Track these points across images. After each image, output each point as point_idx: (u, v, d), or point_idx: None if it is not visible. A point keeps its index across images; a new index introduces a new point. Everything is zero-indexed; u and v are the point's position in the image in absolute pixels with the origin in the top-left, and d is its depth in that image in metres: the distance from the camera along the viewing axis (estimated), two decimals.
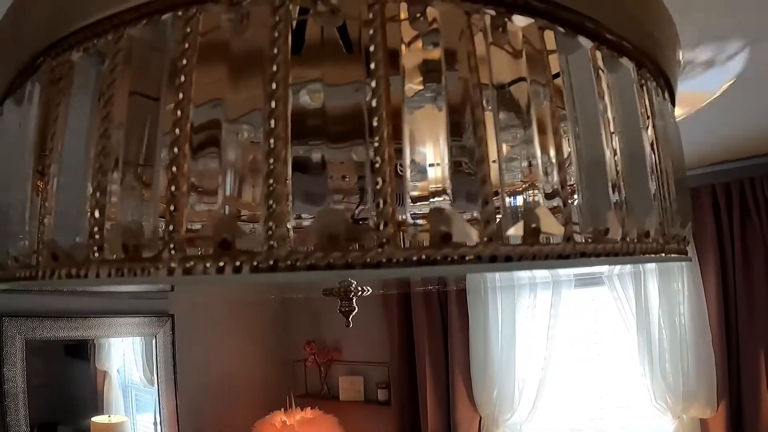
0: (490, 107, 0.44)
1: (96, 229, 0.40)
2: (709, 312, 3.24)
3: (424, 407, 4.06)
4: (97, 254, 0.40)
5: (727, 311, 3.21)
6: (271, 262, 0.36)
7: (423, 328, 4.11)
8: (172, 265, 0.37)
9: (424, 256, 0.37)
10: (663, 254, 0.53)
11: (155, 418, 3.65)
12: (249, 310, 4.55)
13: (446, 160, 0.45)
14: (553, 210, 0.45)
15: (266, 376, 4.53)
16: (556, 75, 0.49)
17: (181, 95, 0.39)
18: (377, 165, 0.38)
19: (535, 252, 0.41)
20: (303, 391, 4.65)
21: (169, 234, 0.37)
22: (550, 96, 0.47)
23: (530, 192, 0.58)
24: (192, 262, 0.37)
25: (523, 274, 3.77)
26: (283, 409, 3.83)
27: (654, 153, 0.56)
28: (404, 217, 0.43)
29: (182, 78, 0.40)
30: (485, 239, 0.39)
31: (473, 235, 0.39)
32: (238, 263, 0.36)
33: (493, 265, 0.39)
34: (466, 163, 0.43)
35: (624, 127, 0.53)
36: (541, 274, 3.73)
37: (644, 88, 0.55)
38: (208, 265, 0.37)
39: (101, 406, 3.37)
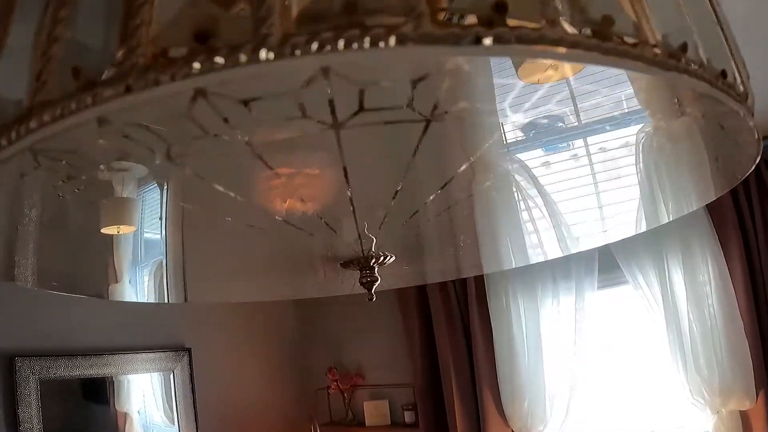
0: None
1: None
2: (738, 300, 3.21)
3: (453, 426, 4.01)
4: None
5: (756, 297, 3.19)
6: (264, 52, 0.32)
7: (446, 344, 4.08)
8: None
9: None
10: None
11: None
12: (266, 338, 4.54)
13: None
14: None
15: (288, 405, 4.51)
16: None
17: None
18: None
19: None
20: (327, 419, 4.61)
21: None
22: None
23: None
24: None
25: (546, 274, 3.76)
26: None
27: None
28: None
29: None
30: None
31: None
32: (220, 59, 0.32)
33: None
34: None
35: None
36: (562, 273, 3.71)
37: None
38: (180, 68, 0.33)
39: None
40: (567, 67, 1.03)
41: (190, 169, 0.92)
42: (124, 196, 1.48)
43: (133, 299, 1.96)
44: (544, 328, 3.83)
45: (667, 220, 1.95)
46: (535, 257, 2.31)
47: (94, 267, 1.65)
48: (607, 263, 3.71)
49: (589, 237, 2.20)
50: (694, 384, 3.30)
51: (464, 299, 4.09)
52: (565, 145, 1.93)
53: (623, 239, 3.56)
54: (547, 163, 1.95)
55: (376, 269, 1.53)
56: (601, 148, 2.06)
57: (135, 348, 3.51)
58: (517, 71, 1.01)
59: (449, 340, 4.07)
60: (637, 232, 2.06)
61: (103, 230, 1.64)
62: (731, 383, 3.20)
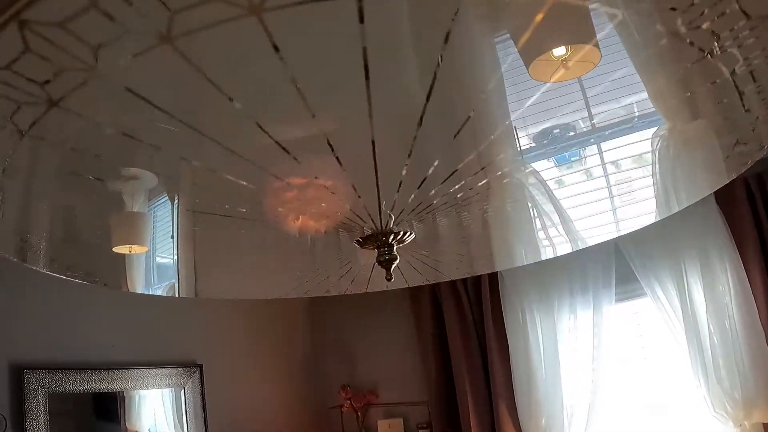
0: None
1: None
2: (758, 310, 3.15)
3: None
4: None
5: None
6: None
7: (461, 360, 4.05)
8: None
9: None
10: None
11: None
12: (278, 354, 4.52)
13: None
14: None
15: (301, 424, 4.46)
16: None
17: None
18: None
19: None
20: None
21: None
22: None
23: None
24: None
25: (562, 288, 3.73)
26: None
27: None
28: None
29: None
30: None
31: None
32: None
33: None
34: None
35: None
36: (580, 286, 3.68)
37: None
38: None
39: None
40: (578, 65, 1.03)
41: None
42: (135, 210, 1.48)
43: (146, 292, 1.97)
44: (561, 343, 3.79)
45: (678, 209, 1.93)
46: (546, 254, 2.30)
47: (109, 257, 1.65)
48: (624, 276, 3.68)
49: (600, 232, 2.18)
50: (716, 397, 3.23)
51: (479, 314, 4.06)
52: (577, 157, 1.94)
53: (640, 252, 3.56)
54: (560, 181, 1.96)
55: (395, 247, 1.51)
56: (615, 164, 2.06)
57: (146, 363, 3.50)
58: (528, 69, 1.01)
59: (465, 357, 4.04)
60: (649, 224, 2.04)
61: (115, 249, 1.65)
62: (754, 395, 3.13)
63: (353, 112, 1.01)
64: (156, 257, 1.85)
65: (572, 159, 1.92)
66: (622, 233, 2.17)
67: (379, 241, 1.49)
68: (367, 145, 1.08)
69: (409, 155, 1.15)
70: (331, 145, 1.11)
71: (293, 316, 4.79)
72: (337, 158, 1.13)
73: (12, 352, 2.90)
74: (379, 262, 1.51)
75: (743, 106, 1.23)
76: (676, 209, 1.96)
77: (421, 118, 1.04)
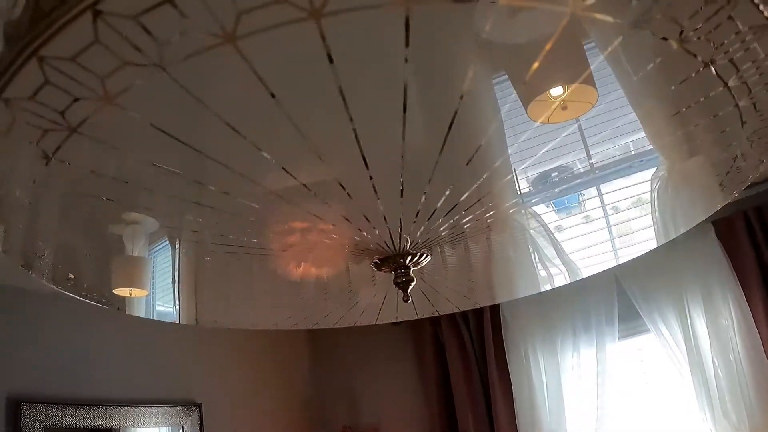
0: None
1: None
2: (763, 342, 3.15)
3: None
4: None
5: None
6: None
7: (464, 400, 4.02)
8: None
9: None
10: None
11: None
12: (279, 394, 4.49)
13: None
14: None
15: None
16: None
17: None
18: None
19: None
20: None
21: None
22: None
23: None
24: None
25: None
26: None
27: None
28: None
29: None
30: None
31: None
32: None
33: None
34: None
35: None
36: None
37: None
38: None
39: None
40: (576, 106, 1.07)
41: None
42: (136, 255, 1.51)
43: (147, 315, 1.98)
44: (564, 381, 3.77)
45: (675, 236, 1.96)
46: (545, 286, 2.31)
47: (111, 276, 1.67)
48: (627, 313, 3.68)
49: (598, 261, 2.20)
50: (723, 430, 3.20)
51: (482, 354, 4.05)
52: (576, 203, 1.98)
53: (642, 288, 3.58)
54: (560, 227, 1.99)
55: (411, 269, 1.53)
56: (614, 208, 2.10)
57: (144, 401, 3.48)
58: (526, 110, 1.05)
59: (468, 397, 4.01)
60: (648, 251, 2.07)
61: (115, 291, 1.67)
62: (761, 427, 3.10)
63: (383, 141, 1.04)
64: (156, 303, 1.87)
65: (572, 205, 1.95)
66: (621, 261, 2.18)
67: (396, 263, 1.52)
68: (385, 173, 1.12)
69: (429, 181, 1.18)
70: (342, 185, 1.14)
71: (295, 357, 4.77)
72: (346, 192, 1.16)
73: (10, 385, 2.89)
74: (397, 284, 1.54)
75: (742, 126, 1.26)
76: (673, 236, 1.99)
77: (442, 147, 1.07)
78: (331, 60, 0.76)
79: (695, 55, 0.84)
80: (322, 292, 1.85)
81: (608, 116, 1.25)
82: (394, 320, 2.21)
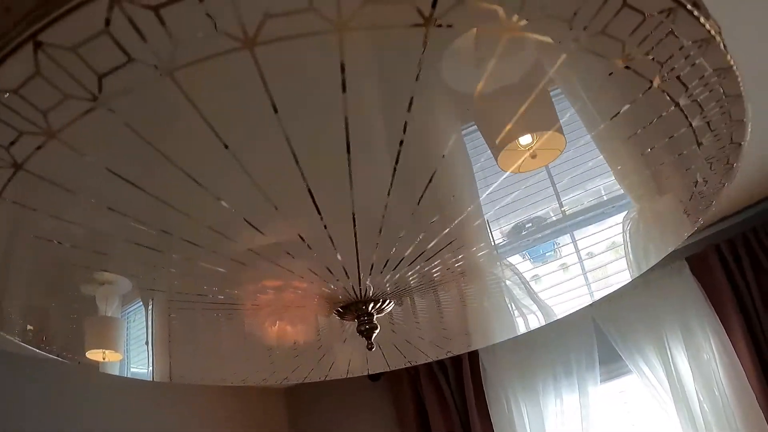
0: None
1: None
2: (746, 372, 3.14)
3: None
4: None
5: (764, 367, 3.13)
6: None
7: None
8: None
9: None
10: None
11: None
12: None
13: None
14: None
15: None
16: None
17: None
18: None
19: None
20: None
21: None
22: None
23: None
24: None
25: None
26: None
27: None
28: None
29: None
30: None
31: None
32: None
33: None
34: None
35: None
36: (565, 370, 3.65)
37: None
38: None
39: None
40: (546, 153, 1.08)
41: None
42: (109, 315, 1.47)
43: (122, 374, 1.93)
44: (549, 429, 3.72)
45: (647, 268, 1.96)
46: (521, 329, 2.29)
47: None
48: (607, 355, 3.67)
49: (575, 300, 2.19)
50: None
51: (463, 406, 3.99)
52: (551, 251, 1.99)
53: (621, 330, 3.57)
54: (536, 276, 2.00)
55: (375, 316, 1.51)
56: (588, 253, 2.12)
57: None
58: (497, 160, 1.05)
59: None
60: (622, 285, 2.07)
61: (88, 354, 1.62)
62: None
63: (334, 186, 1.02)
64: (130, 367, 1.83)
65: (547, 253, 1.97)
66: (596, 298, 2.18)
67: (358, 310, 1.49)
68: (340, 223, 1.10)
69: (379, 232, 1.17)
70: (301, 237, 1.13)
71: (271, 418, 4.65)
72: (306, 244, 1.14)
73: None
74: (360, 332, 1.51)
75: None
76: (645, 268, 2.00)
77: (388, 191, 1.06)
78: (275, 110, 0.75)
79: (641, 75, 0.85)
80: (289, 346, 1.82)
81: (575, 161, 1.26)
82: (365, 373, 2.17)
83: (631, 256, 1.92)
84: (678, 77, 0.90)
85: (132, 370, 1.91)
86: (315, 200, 0.99)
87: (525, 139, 1.04)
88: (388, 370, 2.11)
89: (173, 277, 1.33)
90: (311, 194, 0.97)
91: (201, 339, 1.82)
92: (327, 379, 2.07)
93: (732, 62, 0.86)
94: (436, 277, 1.57)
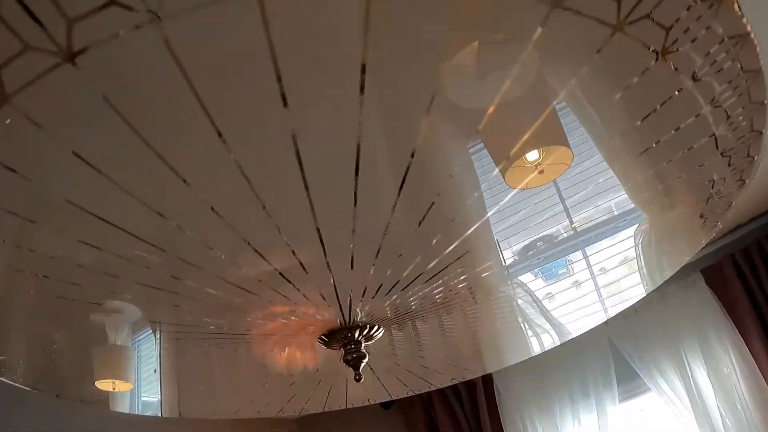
0: None
1: None
2: None
3: None
4: None
5: None
6: None
7: None
8: None
9: None
10: None
11: None
12: None
13: None
14: None
15: None
16: None
17: None
18: None
19: None
20: None
21: None
22: None
23: None
24: None
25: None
26: None
27: None
28: None
29: None
30: None
31: None
32: None
33: None
34: None
35: None
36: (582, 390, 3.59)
37: None
38: None
39: None
40: (553, 168, 1.05)
41: None
42: (118, 343, 1.45)
43: (131, 411, 1.89)
44: None
45: (662, 281, 1.92)
46: (536, 349, 2.25)
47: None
48: (625, 373, 3.61)
49: (589, 317, 2.15)
50: None
51: (478, 430, 3.91)
52: (563, 269, 1.97)
53: (637, 347, 3.51)
54: (549, 294, 1.97)
55: (363, 345, 1.42)
56: (601, 269, 2.09)
57: None
58: (504, 178, 1.03)
59: None
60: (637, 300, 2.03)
61: (98, 384, 1.59)
62: None
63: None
64: (141, 396, 1.81)
65: (559, 271, 1.94)
66: (611, 315, 2.14)
67: (345, 337, 1.41)
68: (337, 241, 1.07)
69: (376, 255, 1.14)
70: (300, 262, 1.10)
71: None
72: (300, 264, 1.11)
73: None
74: (346, 361, 1.42)
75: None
76: (660, 282, 1.96)
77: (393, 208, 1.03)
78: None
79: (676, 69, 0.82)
80: (286, 376, 1.78)
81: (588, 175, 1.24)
82: (365, 403, 2.12)
83: (644, 269, 1.89)
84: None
85: (142, 408, 1.88)
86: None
87: (532, 155, 1.02)
88: (391, 398, 2.06)
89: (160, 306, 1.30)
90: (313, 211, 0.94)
91: (192, 372, 1.79)
92: (327, 410, 2.02)
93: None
94: (441, 299, 1.53)
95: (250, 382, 1.82)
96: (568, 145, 0.99)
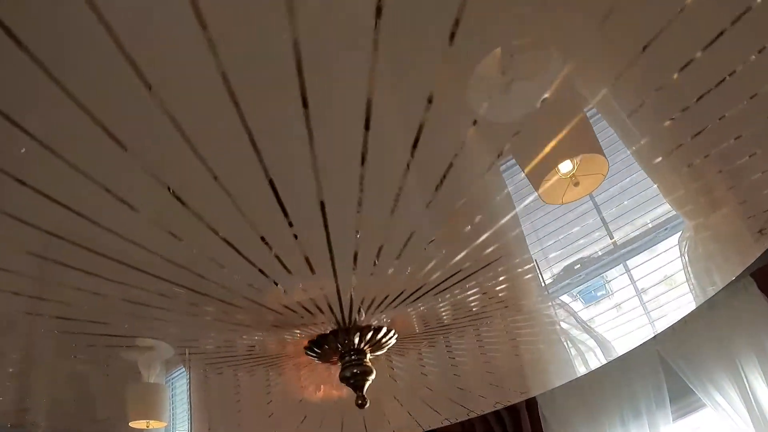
0: None
1: None
2: None
3: None
4: None
5: None
6: None
7: None
8: None
9: None
10: None
11: None
12: None
13: None
14: None
15: None
16: None
17: None
18: None
19: None
20: None
21: None
22: None
23: None
24: None
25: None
26: None
27: None
28: None
29: None
30: None
31: None
32: None
33: None
34: None
35: None
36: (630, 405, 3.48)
37: None
38: None
39: None
40: (588, 181, 1.01)
41: None
42: (152, 381, 1.42)
43: None
44: None
45: (714, 293, 1.85)
46: (581, 369, 2.18)
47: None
48: (678, 390, 3.49)
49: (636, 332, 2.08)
50: None
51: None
52: (603, 291, 1.92)
53: (689, 361, 3.40)
54: (591, 321, 1.92)
55: (367, 354, 0.99)
56: (645, 284, 2.03)
57: None
58: (539, 195, 0.99)
59: None
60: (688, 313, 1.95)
61: (132, 424, 1.57)
62: None
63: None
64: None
65: (598, 293, 1.92)
66: (660, 330, 2.07)
67: (341, 344, 0.98)
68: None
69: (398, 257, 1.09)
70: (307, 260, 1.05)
71: None
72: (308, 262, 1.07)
73: None
74: (343, 378, 0.98)
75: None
76: (712, 293, 1.89)
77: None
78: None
79: None
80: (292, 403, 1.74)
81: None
82: None
83: (693, 280, 1.82)
84: None
85: None
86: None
87: (565, 167, 0.97)
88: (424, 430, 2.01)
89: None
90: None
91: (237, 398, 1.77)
92: None
93: None
94: (476, 309, 1.47)
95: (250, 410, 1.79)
96: (602, 152, 0.95)
